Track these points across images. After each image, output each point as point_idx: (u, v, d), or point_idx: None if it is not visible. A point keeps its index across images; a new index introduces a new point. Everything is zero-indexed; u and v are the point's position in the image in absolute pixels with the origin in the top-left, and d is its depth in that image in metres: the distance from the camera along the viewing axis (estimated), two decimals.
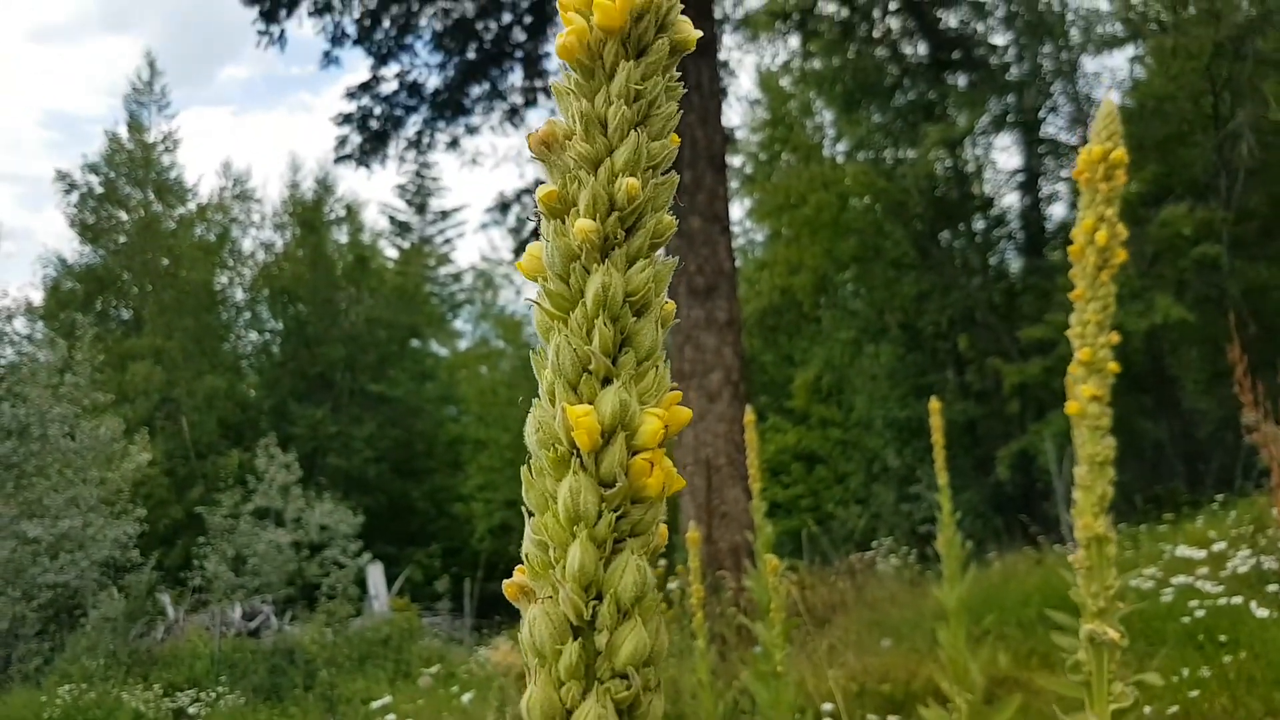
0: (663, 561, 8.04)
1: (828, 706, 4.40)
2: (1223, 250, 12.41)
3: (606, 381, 0.40)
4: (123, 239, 21.89)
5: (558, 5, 0.43)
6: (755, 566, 3.93)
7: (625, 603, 0.38)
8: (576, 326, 0.41)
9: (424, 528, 21.76)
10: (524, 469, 0.41)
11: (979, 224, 16.46)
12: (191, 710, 8.95)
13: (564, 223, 0.43)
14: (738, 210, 20.86)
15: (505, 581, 0.42)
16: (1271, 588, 5.41)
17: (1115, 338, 1.28)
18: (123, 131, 22.41)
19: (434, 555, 20.52)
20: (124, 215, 22.20)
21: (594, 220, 0.41)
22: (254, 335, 23.72)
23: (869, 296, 16.82)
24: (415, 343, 23.91)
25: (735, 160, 19.71)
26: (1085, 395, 1.28)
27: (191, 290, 20.95)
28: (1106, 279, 1.33)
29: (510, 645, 4.94)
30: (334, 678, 9.50)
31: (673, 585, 7.12)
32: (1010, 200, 16.84)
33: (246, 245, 23.38)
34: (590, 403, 0.40)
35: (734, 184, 19.08)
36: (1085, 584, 1.30)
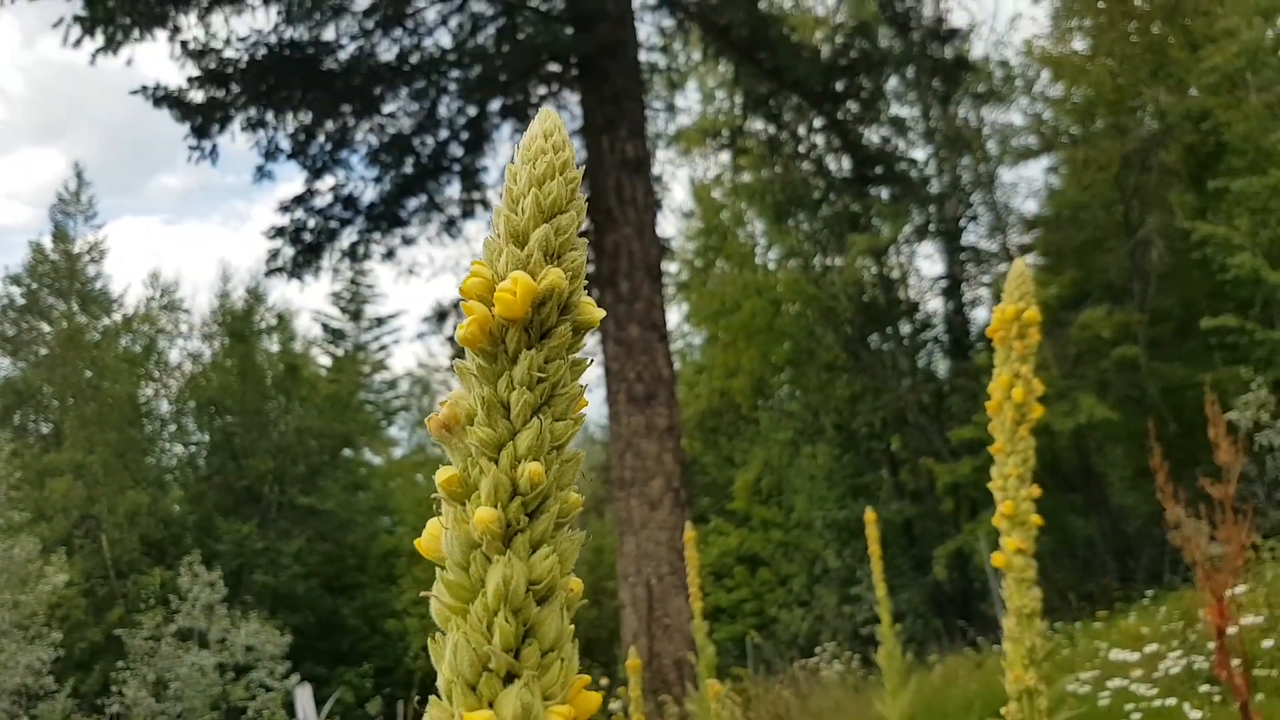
0: (604, 680, 7.81)
1: None
2: (1140, 351, 12.96)
3: (509, 679, 0.39)
4: (44, 351, 21.29)
5: (459, 292, 0.43)
6: (697, 687, 3.85)
7: None
8: (476, 621, 0.40)
9: (355, 646, 20.88)
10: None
11: (906, 328, 17.00)
12: None
13: (464, 508, 0.42)
14: (675, 316, 21.24)
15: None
16: (1204, 688, 5.47)
17: (1036, 491, 1.31)
18: (47, 242, 22.06)
19: (366, 675, 19.65)
20: (46, 326, 21.64)
21: (495, 508, 0.41)
22: (179, 448, 22.99)
23: (804, 398, 17.10)
24: (348, 452, 23.38)
25: (671, 267, 20.17)
26: (1010, 548, 1.29)
27: (115, 403, 20.31)
28: (1025, 433, 1.36)
29: None
30: None
31: (614, 706, 6.91)
32: (935, 305, 17.48)
33: (173, 356, 22.89)
34: (491, 705, 0.39)
35: (670, 289, 19.47)
36: None
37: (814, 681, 9.38)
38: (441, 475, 0.43)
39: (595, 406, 12.54)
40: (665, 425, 9.77)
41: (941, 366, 16.93)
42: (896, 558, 14.70)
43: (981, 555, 11.85)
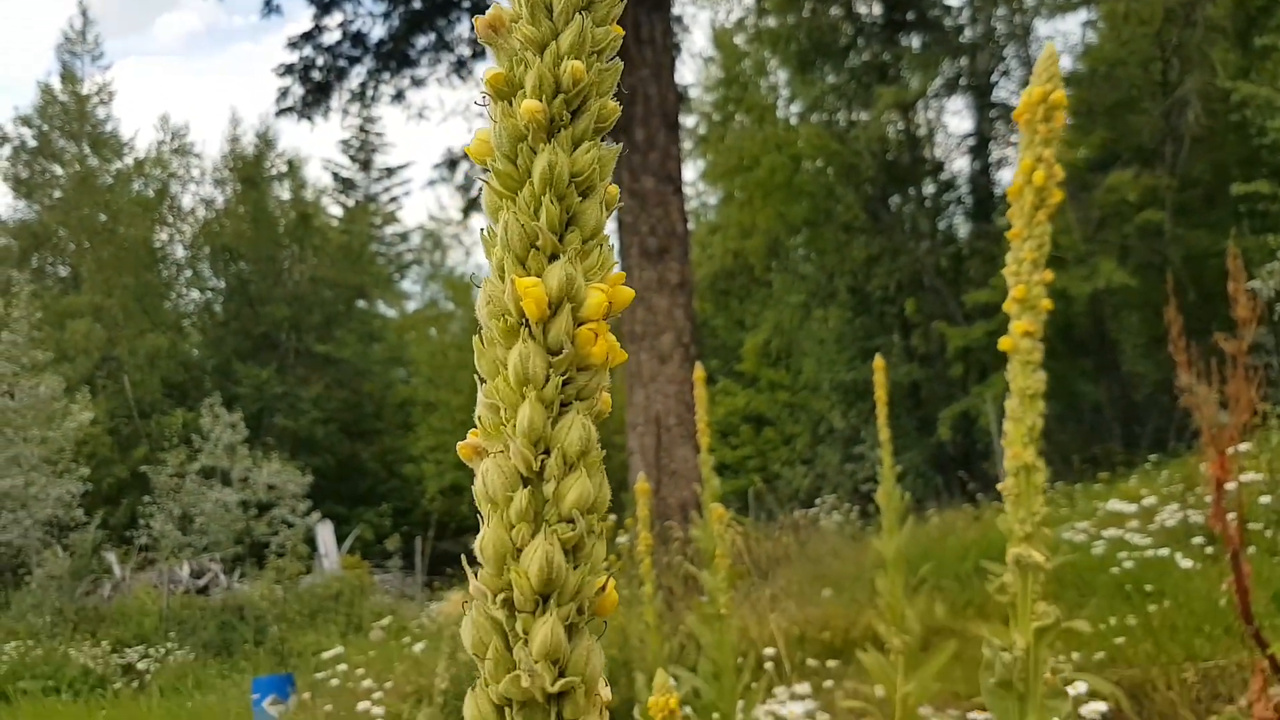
0: (612, 517, 8.12)
1: (769, 651, 4.51)
2: (1166, 217, 12.69)
3: (553, 258, 0.42)
4: (58, 194, 21.22)
5: None
6: (702, 518, 4.01)
7: (571, 456, 0.40)
8: (524, 205, 0.42)
9: (374, 488, 21.64)
10: (475, 339, 0.43)
11: (929, 189, 16.63)
12: (140, 666, 8.90)
13: (511, 105, 0.43)
14: (691, 173, 20.83)
15: (460, 444, 0.42)
16: (1197, 540, 5.62)
17: (1049, 276, 1.33)
18: (55, 83, 21.65)
19: (384, 515, 20.44)
20: (59, 169, 21.50)
21: (540, 101, 0.42)
22: (195, 294, 23.19)
23: (819, 260, 16.94)
24: (361, 303, 23.55)
25: (689, 121, 19.64)
26: (1018, 331, 1.32)
27: (130, 247, 20.37)
28: (1043, 218, 1.37)
29: (461, 596, 4.98)
30: (285, 633, 9.49)
31: (622, 539, 7.21)
32: (960, 165, 17.03)
33: (186, 201, 22.79)
34: (538, 276, 0.42)
35: (687, 145, 19.02)
36: (1013, 510, 1.34)
37: (813, 529, 9.70)
38: (489, 74, 0.44)
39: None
40: (677, 280, 9.77)
41: (962, 229, 16.68)
42: (902, 419, 14.90)
43: (987, 417, 11.99)
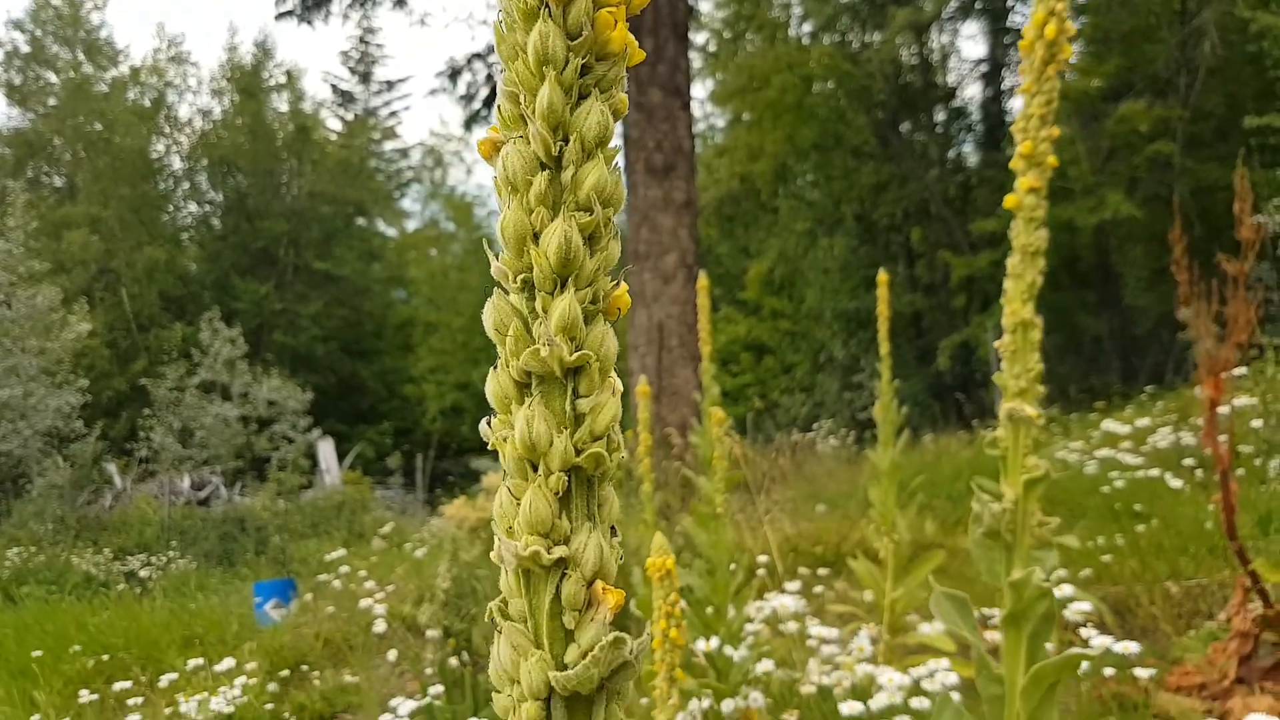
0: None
1: (763, 559, 4.57)
2: (1176, 149, 12.53)
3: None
4: (52, 102, 20.88)
5: None
6: (702, 426, 4.03)
7: (589, 143, 0.40)
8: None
9: (374, 407, 21.77)
10: (495, 25, 0.42)
11: (940, 115, 16.36)
12: (142, 574, 9.04)
13: None
14: (699, 92, 20.46)
15: (479, 139, 0.42)
16: (1188, 462, 5.67)
17: (1056, 132, 1.30)
18: None
19: (385, 433, 20.62)
20: (53, 77, 21.12)
21: None
22: (193, 207, 23.00)
23: (827, 187, 16.76)
24: (361, 221, 23.38)
25: (699, 38, 19.19)
26: (1024, 187, 1.29)
27: (127, 157, 20.13)
28: (1052, 74, 1.33)
29: (463, 501, 5.04)
30: (286, 542, 9.63)
31: (623, 455, 7.24)
32: (972, 92, 16.73)
33: (183, 112, 22.48)
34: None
35: (697, 62, 18.63)
36: (1009, 366, 1.33)
37: (809, 452, 9.78)
38: None
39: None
40: (683, 200, 9.66)
41: (972, 158, 16.46)
42: (902, 348, 14.92)
43: (986, 347, 11.99)
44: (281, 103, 22.59)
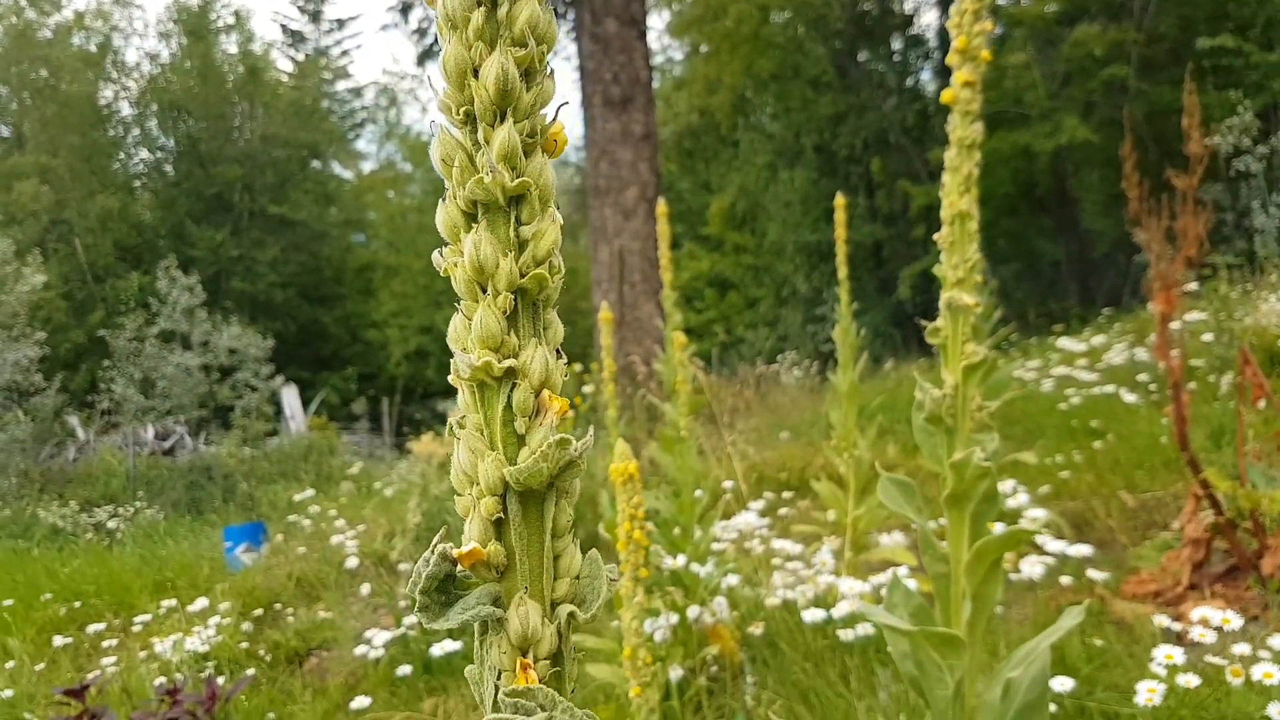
0: (576, 365, 8.18)
1: (728, 484, 4.66)
2: (1130, 72, 12.61)
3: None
4: None
5: None
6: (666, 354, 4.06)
7: None
8: None
9: (337, 353, 21.58)
10: None
11: (897, 44, 16.27)
12: (110, 524, 8.99)
13: None
14: (656, 22, 20.13)
15: None
16: (1142, 377, 5.81)
17: (989, 26, 1.31)
18: None
19: (349, 379, 20.48)
20: None
21: None
22: (145, 153, 22.35)
23: (786, 119, 16.69)
24: (316, 164, 22.88)
25: None
26: (959, 81, 1.31)
27: (74, 104, 19.47)
28: None
29: (432, 437, 5.07)
30: (254, 489, 9.61)
31: (587, 389, 7.29)
32: (930, 19, 16.63)
33: (131, 56, 21.74)
34: None
35: None
36: (947, 257, 1.35)
37: (773, 383, 9.89)
38: None
39: (570, 112, 12.17)
40: (642, 132, 9.57)
41: (930, 86, 16.45)
42: (864, 278, 15.05)
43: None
44: (231, 44, 21.93)
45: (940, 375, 1.41)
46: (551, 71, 0.43)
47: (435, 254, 0.43)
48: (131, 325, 14.11)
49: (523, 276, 0.41)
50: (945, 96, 1.33)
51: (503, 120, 0.41)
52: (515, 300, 0.41)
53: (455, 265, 0.42)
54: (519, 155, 0.41)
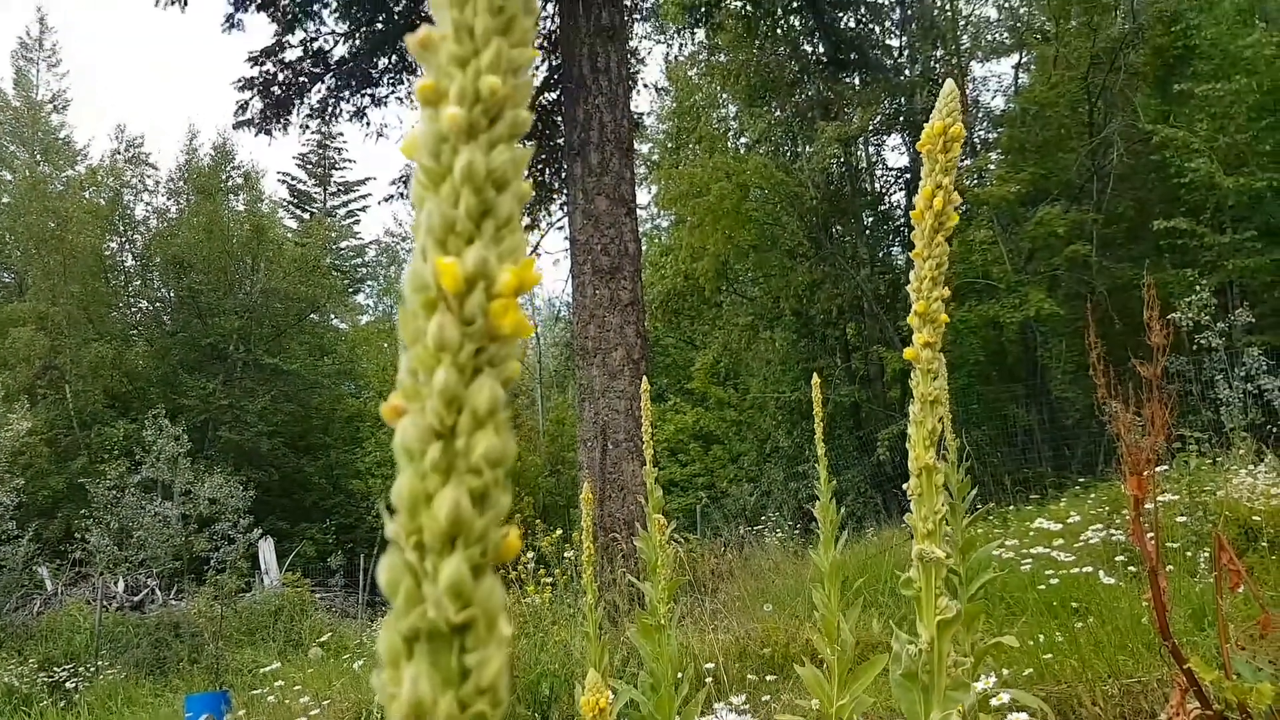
0: (558, 531, 8.14)
1: (710, 666, 4.60)
2: (1092, 250, 13.25)
3: (470, 242, 0.53)
4: (6, 199, 20.77)
5: None
6: (647, 531, 4.10)
7: (481, 414, 0.49)
8: (446, 196, 0.53)
9: (318, 504, 21.33)
10: (400, 311, 0.54)
11: (868, 218, 17.16)
12: (69, 685, 8.69)
13: (436, 111, 0.54)
14: (645, 197, 21.12)
15: (383, 405, 0.53)
16: (1119, 558, 5.85)
17: (946, 292, 1.46)
18: (8, 88, 21.27)
19: (328, 531, 20.17)
20: (8, 175, 21.06)
21: (462, 109, 0.53)
22: (144, 304, 22.77)
23: (766, 284, 17.32)
24: (314, 316, 23.32)
25: (644, 147, 19.93)
26: (920, 342, 1.44)
27: (79, 255, 19.98)
28: (941, 240, 1.50)
29: None
30: (221, 650, 9.34)
31: (568, 555, 7.25)
32: (898, 197, 17.59)
33: (139, 211, 22.47)
34: (456, 257, 0.52)
35: (642, 170, 19.30)
36: (916, 509, 1.44)
37: (757, 545, 9.85)
38: (419, 85, 0.55)
39: (561, 277, 12.52)
40: (629, 299, 9.90)
41: (899, 258, 17.17)
42: (843, 438, 15.22)
43: None
44: (239, 203, 22.76)
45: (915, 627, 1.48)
46: (508, 486, 0.48)
47: (374, 678, 0.47)
48: (114, 473, 14.02)
49: (463, 710, 0.46)
50: (908, 354, 1.47)
51: (452, 549, 0.42)
52: None
53: (393, 698, 0.46)
54: (468, 584, 0.47)
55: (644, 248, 15.00)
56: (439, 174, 0.54)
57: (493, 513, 0.45)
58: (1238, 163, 12.55)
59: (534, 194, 13.38)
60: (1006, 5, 16.45)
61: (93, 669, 9.09)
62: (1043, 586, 5.64)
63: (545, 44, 12.40)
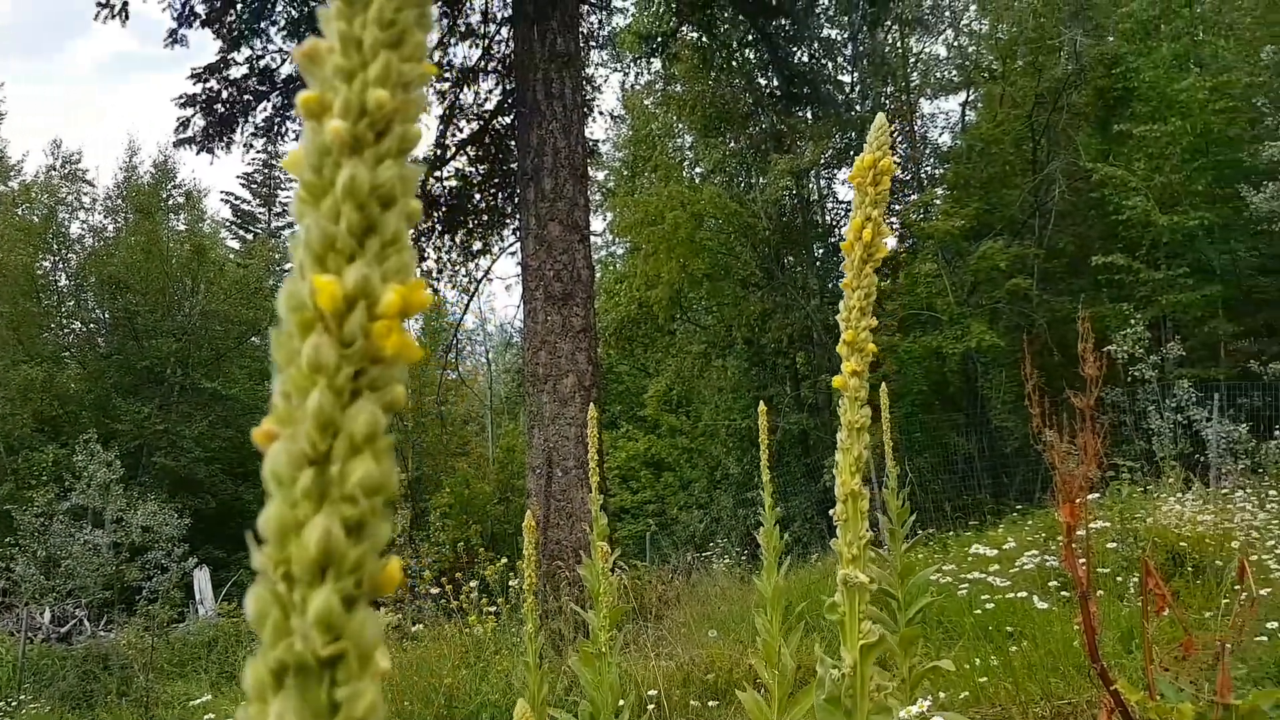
0: (503, 560, 8.03)
1: (653, 693, 4.56)
2: (1033, 283, 13.60)
3: (352, 260, 0.49)
4: None
5: None
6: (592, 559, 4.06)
7: (358, 440, 0.45)
8: (327, 211, 0.50)
9: (256, 531, 20.82)
10: (273, 332, 0.51)
11: (819, 250, 17.42)
12: None
13: (320, 123, 0.51)
14: (599, 224, 21.19)
15: (254, 429, 0.49)
16: (1053, 583, 5.95)
17: (874, 322, 1.46)
18: None
19: None
20: None
21: (346, 121, 0.50)
22: (78, 325, 22.13)
23: (719, 313, 17.45)
24: (255, 340, 22.87)
25: (600, 175, 20.05)
26: (848, 370, 1.44)
27: (9, 274, 19.38)
28: (870, 271, 1.51)
29: None
30: (152, 683, 9.02)
31: (514, 583, 7.15)
32: (848, 230, 17.85)
33: (75, 229, 21.89)
34: (336, 275, 0.49)
35: (597, 197, 19.38)
36: (842, 534, 1.43)
37: (704, 571, 9.84)
38: (301, 97, 0.52)
39: (513, 303, 12.45)
40: (581, 325, 9.87)
41: None
42: (791, 465, 15.32)
43: (870, 465, 12.40)
44: (179, 222, 22.26)
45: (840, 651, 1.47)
46: (387, 516, 0.42)
47: (239, 713, 0.42)
48: (41, 500, 13.56)
49: None
50: (836, 382, 1.47)
51: (322, 580, 0.44)
52: None
53: None
54: (338, 616, 0.43)
55: (598, 274, 15.03)
56: (321, 188, 0.50)
57: (369, 543, 0.42)
58: (1172, 201, 13.01)
59: (487, 218, 13.32)
60: (955, 44, 16.97)
61: (14, 703, 8.72)
62: (979, 611, 5.71)
63: (500, 68, 12.41)
